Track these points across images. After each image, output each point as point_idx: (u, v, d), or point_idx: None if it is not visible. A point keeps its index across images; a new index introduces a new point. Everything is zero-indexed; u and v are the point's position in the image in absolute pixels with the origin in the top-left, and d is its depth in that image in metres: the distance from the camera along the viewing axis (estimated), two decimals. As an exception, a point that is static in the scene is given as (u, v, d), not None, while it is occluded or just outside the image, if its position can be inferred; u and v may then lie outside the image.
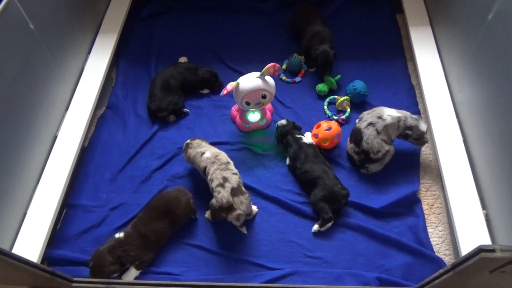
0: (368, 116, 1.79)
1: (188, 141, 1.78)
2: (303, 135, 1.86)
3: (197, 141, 1.77)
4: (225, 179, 1.56)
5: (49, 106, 1.84)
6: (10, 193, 1.55)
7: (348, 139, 1.85)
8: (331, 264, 1.58)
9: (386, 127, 1.73)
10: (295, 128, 1.88)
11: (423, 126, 1.74)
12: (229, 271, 1.58)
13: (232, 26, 2.44)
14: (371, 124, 1.75)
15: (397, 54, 2.26)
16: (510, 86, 1.42)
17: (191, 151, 1.73)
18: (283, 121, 1.90)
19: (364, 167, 1.79)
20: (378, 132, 1.73)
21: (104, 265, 1.50)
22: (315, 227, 1.65)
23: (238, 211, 1.52)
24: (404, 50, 2.28)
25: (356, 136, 1.78)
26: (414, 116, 1.75)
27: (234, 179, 1.58)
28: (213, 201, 1.57)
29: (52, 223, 1.64)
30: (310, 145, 1.81)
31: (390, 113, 1.75)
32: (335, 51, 2.06)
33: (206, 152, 1.68)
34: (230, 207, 1.52)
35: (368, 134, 1.73)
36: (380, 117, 1.74)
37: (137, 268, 1.56)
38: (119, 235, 1.57)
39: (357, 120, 1.86)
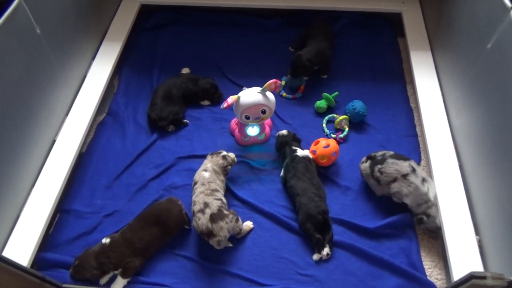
0: (422, 169, 1.74)
1: (223, 152, 1.78)
2: (300, 148, 1.86)
3: (220, 160, 1.74)
4: (206, 205, 1.57)
5: (50, 110, 1.85)
6: (4, 195, 1.55)
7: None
8: (322, 283, 1.57)
9: (415, 188, 1.64)
10: (295, 140, 1.88)
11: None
12: (220, 285, 1.57)
13: (235, 41, 2.47)
14: (413, 169, 1.67)
15: (397, 76, 2.29)
16: (507, 114, 1.44)
17: (208, 159, 1.77)
18: (284, 132, 1.90)
19: (365, 161, 1.77)
20: (404, 177, 1.65)
21: (87, 268, 1.52)
22: (315, 256, 1.62)
23: (218, 238, 1.53)
24: (404, 73, 2.31)
25: (400, 156, 1.72)
26: None
27: (215, 204, 1.57)
28: (194, 225, 1.59)
29: (45, 227, 1.63)
30: (302, 159, 1.79)
31: (431, 190, 1.66)
32: (323, 67, 2.15)
33: (206, 173, 1.70)
34: (210, 233, 1.53)
35: (400, 166, 1.67)
36: (423, 180, 1.66)
37: (122, 276, 1.54)
38: (106, 240, 1.57)
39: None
